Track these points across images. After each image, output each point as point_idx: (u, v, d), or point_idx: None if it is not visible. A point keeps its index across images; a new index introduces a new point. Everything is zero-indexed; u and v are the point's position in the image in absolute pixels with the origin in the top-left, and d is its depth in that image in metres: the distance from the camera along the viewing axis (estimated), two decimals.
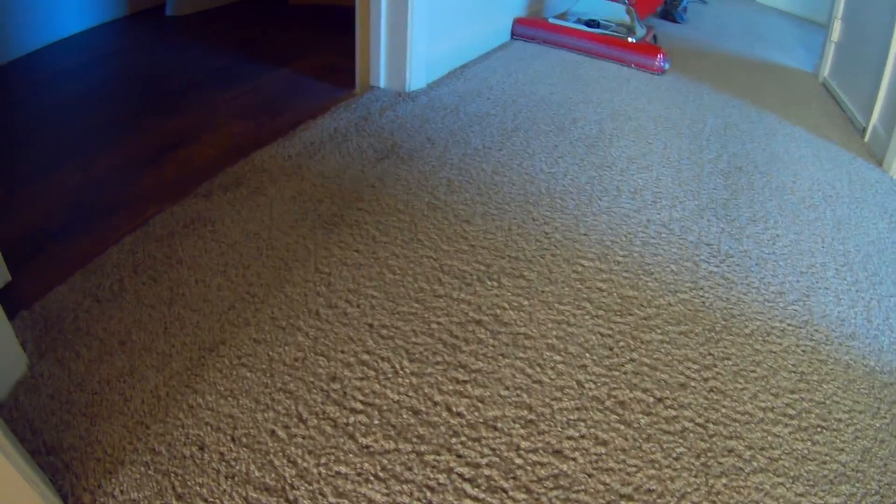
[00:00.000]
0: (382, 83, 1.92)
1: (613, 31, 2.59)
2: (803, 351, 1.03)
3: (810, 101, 2.16)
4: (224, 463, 0.80)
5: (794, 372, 0.98)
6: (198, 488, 0.77)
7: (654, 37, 2.78)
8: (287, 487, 0.78)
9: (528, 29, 2.64)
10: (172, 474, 0.79)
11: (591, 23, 2.63)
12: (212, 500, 0.76)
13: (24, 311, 1.03)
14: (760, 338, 1.05)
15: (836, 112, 2.06)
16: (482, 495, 0.79)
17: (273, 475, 0.79)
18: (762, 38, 3.01)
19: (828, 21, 2.39)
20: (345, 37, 2.18)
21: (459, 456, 0.83)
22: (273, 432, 0.85)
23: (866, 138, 1.85)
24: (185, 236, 1.21)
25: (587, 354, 0.99)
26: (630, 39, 2.48)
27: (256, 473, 0.79)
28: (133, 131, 1.66)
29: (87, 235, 1.24)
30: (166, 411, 0.87)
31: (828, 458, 0.85)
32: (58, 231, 1.25)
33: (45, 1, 2.26)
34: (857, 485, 0.83)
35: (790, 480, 0.82)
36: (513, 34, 2.66)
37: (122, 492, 0.76)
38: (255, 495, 0.77)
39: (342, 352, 0.97)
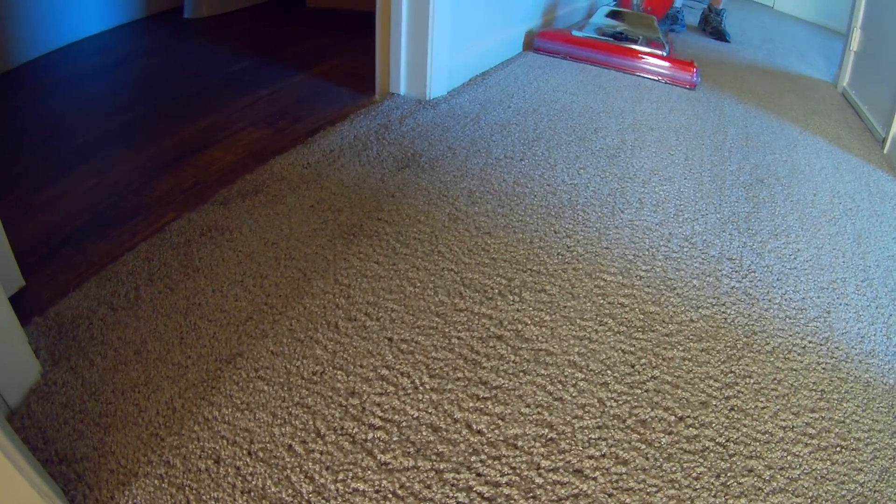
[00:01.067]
0: (402, 90, 1.91)
1: (642, 43, 2.47)
2: (823, 369, 1.01)
3: (830, 111, 2.13)
4: (240, 478, 0.79)
5: (814, 390, 0.97)
6: (213, 503, 0.76)
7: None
8: None
9: (552, 43, 2.49)
10: (187, 488, 0.78)
11: (619, 35, 2.53)
12: None
13: (38, 317, 1.03)
14: (782, 355, 1.03)
15: (855, 123, 2.04)
16: None
17: (290, 491, 0.78)
18: (781, 46, 2.98)
19: (847, 30, 2.37)
20: (364, 42, 2.18)
21: (479, 474, 0.82)
22: (290, 447, 0.84)
23: (886, 149, 1.83)
24: (201, 244, 1.21)
25: (609, 372, 0.98)
26: (662, 53, 2.37)
27: (273, 489, 0.78)
28: (150, 136, 1.66)
29: (103, 241, 1.24)
30: (181, 423, 0.86)
31: (846, 478, 0.84)
32: (73, 235, 1.25)
33: (63, 2, 2.26)
34: None
35: (809, 501, 0.81)
36: (535, 49, 2.51)
37: None
38: None
39: (361, 366, 0.96)
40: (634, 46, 2.44)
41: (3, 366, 0.85)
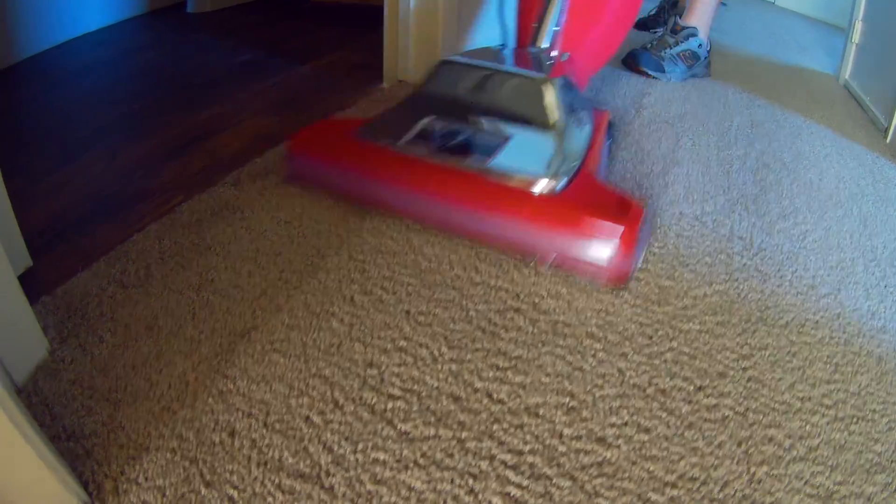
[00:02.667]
0: (411, 77, 1.91)
1: (506, 166, 1.13)
2: (836, 343, 1.01)
3: (833, 102, 2.14)
4: (256, 449, 0.78)
5: (828, 363, 0.97)
6: (227, 475, 0.75)
7: (612, 139, 1.52)
8: (322, 475, 0.76)
9: (307, 163, 1.30)
10: (201, 461, 0.77)
11: (453, 144, 1.20)
12: (242, 487, 0.74)
13: (46, 296, 1.02)
14: (795, 329, 1.03)
15: (858, 113, 2.05)
16: (526, 482, 0.77)
17: (308, 462, 0.77)
18: (782, 40, 2.99)
19: (848, 22, 2.37)
20: (369, 35, 2.18)
21: (501, 443, 0.81)
22: (308, 418, 0.83)
23: (888, 139, 1.83)
24: (213, 224, 1.20)
25: (627, 343, 0.98)
26: (553, 187, 1.10)
27: (290, 460, 0.77)
28: (156, 125, 1.66)
29: (111, 223, 1.23)
30: (195, 396, 0.85)
31: (864, 448, 0.84)
32: (80, 219, 1.24)
33: None
34: (892, 475, 0.81)
35: (829, 469, 0.80)
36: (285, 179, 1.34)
37: (146, 478, 0.74)
38: (288, 482, 0.75)
39: (379, 338, 0.96)
40: (488, 167, 1.13)
41: (11, 343, 0.84)
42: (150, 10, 2.71)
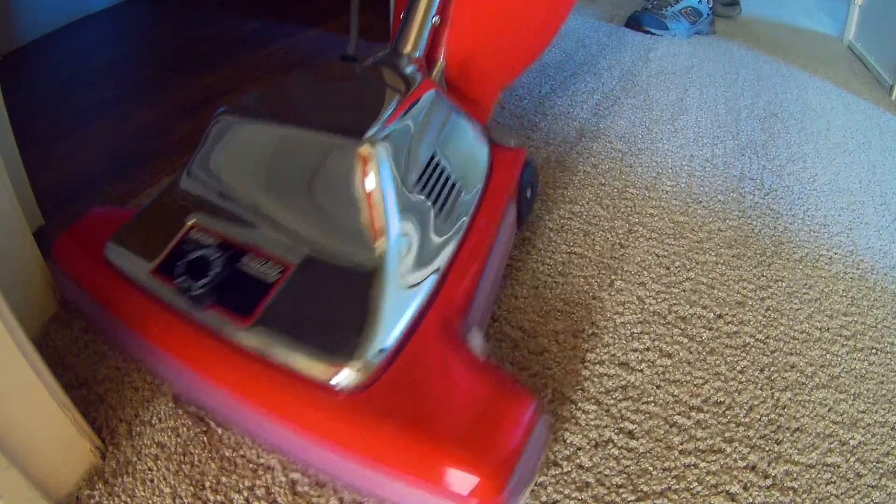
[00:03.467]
0: None
1: (278, 332, 0.63)
2: (851, 278, 1.01)
3: (837, 60, 2.13)
4: None
5: (844, 296, 0.97)
6: None
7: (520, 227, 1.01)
8: None
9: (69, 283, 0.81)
10: None
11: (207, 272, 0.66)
12: None
13: None
14: (810, 263, 1.03)
15: (862, 72, 2.04)
16: (550, 406, 0.76)
17: None
18: (786, 5, 2.97)
19: None
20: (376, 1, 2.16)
21: (523, 368, 0.80)
22: None
23: (893, 96, 1.83)
24: None
25: (645, 273, 0.97)
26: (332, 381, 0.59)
27: None
28: (165, 90, 1.64)
29: (123, 181, 1.21)
30: None
31: (885, 378, 0.84)
32: (92, 179, 1.22)
33: None
34: None
35: (851, 397, 0.80)
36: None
37: (160, 419, 0.72)
38: None
39: None
40: (250, 332, 0.63)
41: (26, 297, 0.83)
42: None
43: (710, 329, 0.88)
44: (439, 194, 0.76)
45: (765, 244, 1.06)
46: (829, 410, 0.78)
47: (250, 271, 0.67)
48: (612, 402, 0.77)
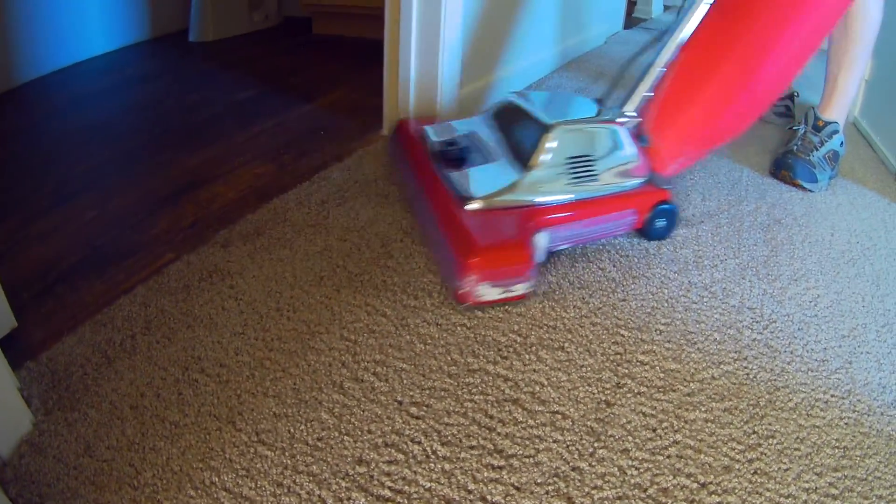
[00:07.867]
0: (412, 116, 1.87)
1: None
2: (846, 424, 0.97)
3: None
4: None
5: (837, 447, 0.93)
6: None
7: None
8: None
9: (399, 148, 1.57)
10: None
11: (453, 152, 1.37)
12: None
13: (31, 361, 0.99)
14: (804, 412, 0.99)
15: (867, 154, 2.02)
16: None
17: None
18: None
19: None
20: (371, 71, 2.14)
21: None
22: None
23: None
24: (201, 291, 1.16)
25: (629, 437, 0.93)
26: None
27: None
28: (151, 166, 1.63)
29: (99, 279, 1.20)
30: (179, 487, 0.81)
31: None
32: (68, 272, 1.21)
33: (67, 21, 2.24)
34: None
35: None
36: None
37: None
38: None
39: (369, 432, 0.91)
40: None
41: None
42: (153, 36, 2.69)
43: (692, 501, 0.84)
44: (579, 171, 1.29)
45: (759, 392, 1.02)
46: None
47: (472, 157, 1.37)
48: None
